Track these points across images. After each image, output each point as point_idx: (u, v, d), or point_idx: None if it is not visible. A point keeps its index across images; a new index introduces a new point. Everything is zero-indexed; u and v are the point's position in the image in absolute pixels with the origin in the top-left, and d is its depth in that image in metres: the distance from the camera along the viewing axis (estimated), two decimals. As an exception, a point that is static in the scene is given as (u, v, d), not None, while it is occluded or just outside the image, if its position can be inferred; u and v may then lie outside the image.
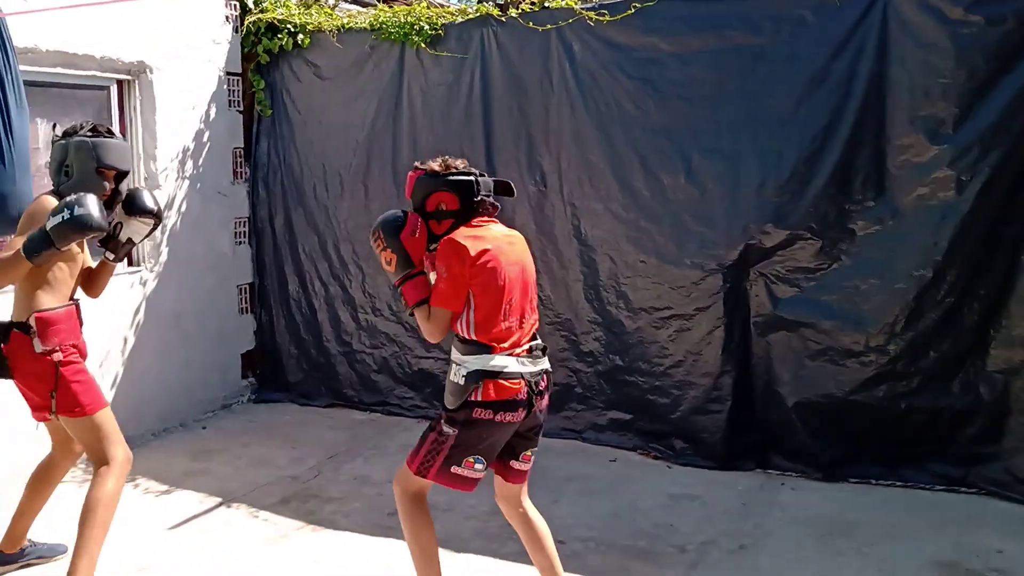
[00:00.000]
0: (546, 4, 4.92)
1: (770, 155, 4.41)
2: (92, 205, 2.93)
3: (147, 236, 3.47)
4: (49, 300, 3.16)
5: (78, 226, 2.90)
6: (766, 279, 4.52)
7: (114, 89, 4.94)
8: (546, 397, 2.94)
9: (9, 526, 3.52)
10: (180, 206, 5.32)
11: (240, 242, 5.84)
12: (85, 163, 3.14)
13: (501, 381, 2.78)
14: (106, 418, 3.22)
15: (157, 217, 3.39)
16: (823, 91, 4.29)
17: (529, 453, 2.98)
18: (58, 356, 3.13)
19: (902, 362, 4.29)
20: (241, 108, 5.76)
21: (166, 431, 5.25)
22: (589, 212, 4.88)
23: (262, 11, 5.67)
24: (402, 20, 5.28)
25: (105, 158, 3.16)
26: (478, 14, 5.13)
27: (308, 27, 5.61)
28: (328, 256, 5.74)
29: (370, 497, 4.30)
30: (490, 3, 5.39)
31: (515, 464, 2.98)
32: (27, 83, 4.37)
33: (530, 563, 3.59)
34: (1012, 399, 4.14)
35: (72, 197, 2.95)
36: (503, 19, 5.00)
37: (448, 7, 5.65)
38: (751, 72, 4.41)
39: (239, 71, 5.71)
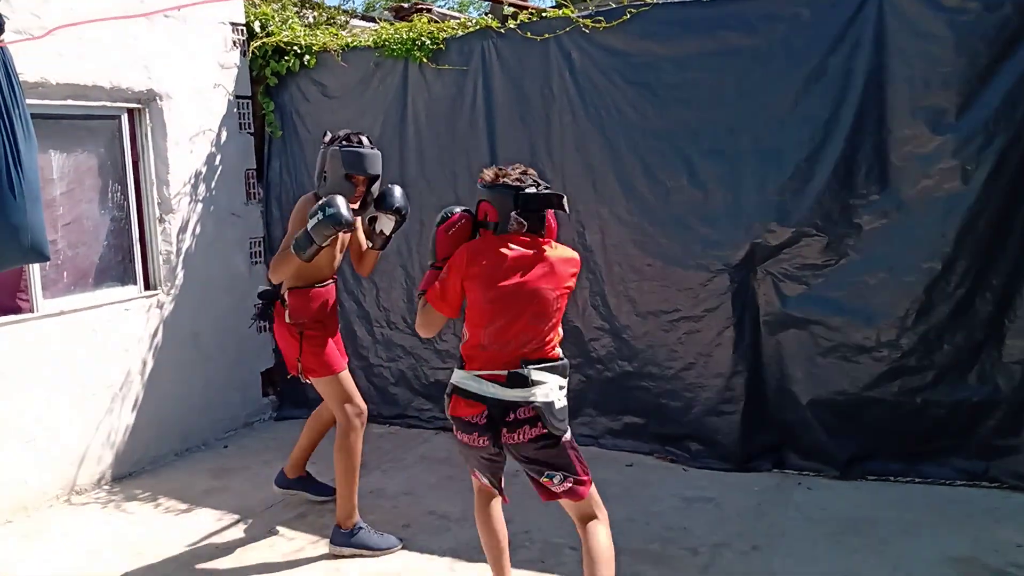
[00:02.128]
0: (543, 14, 4.95)
1: (771, 154, 4.40)
2: (340, 206, 3.48)
3: (396, 229, 3.94)
4: (299, 281, 3.86)
5: (330, 224, 3.46)
6: (774, 277, 4.50)
7: (125, 118, 5.06)
8: (522, 432, 2.75)
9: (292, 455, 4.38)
10: (195, 229, 5.42)
11: (256, 262, 5.93)
12: (336, 170, 3.70)
13: (459, 398, 2.79)
14: (343, 379, 3.92)
15: (398, 212, 3.86)
16: (821, 87, 4.28)
17: (547, 479, 2.82)
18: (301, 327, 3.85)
19: (915, 356, 4.25)
20: (252, 130, 5.86)
21: (188, 451, 5.34)
22: (593, 217, 4.89)
23: (268, 35, 5.77)
24: (404, 36, 5.34)
25: (352, 167, 3.69)
26: (478, 27, 5.18)
27: (314, 48, 5.70)
28: (342, 272, 5.78)
29: (386, 510, 4.33)
30: (491, 15, 5.44)
31: (545, 483, 2.85)
32: (39, 116, 4.50)
33: (544, 571, 3.62)
34: (1030, 390, 4.07)
35: (323, 200, 3.51)
36: (502, 31, 5.05)
37: (449, 21, 5.70)
38: (748, 72, 4.40)
39: (248, 94, 5.81)
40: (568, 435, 2.85)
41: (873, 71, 4.17)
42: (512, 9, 5.34)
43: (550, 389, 2.76)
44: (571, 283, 2.88)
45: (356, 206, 3.78)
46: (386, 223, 3.89)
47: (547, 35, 4.87)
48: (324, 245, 3.56)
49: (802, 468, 4.49)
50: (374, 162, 3.77)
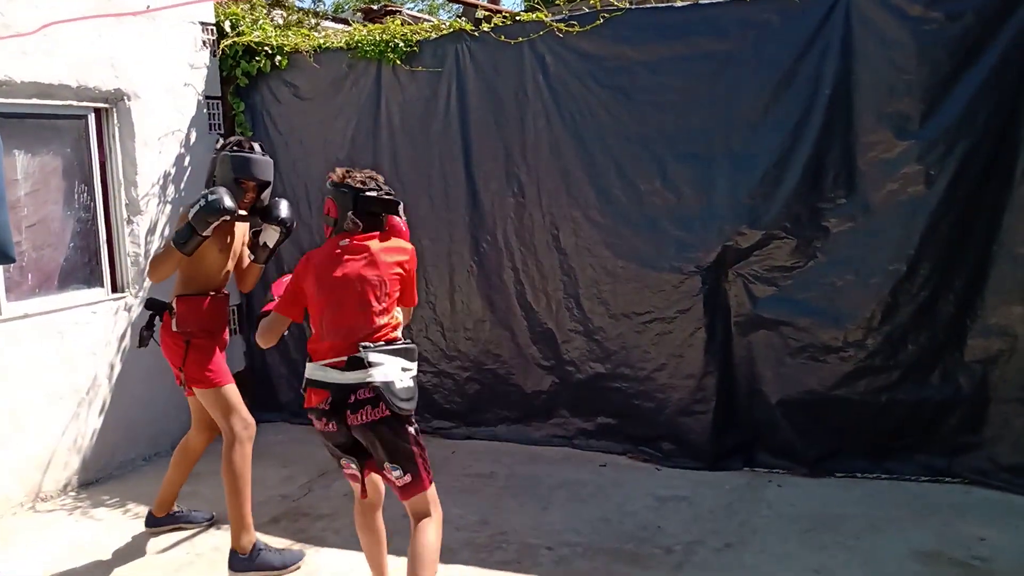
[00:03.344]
0: (517, 18, 4.98)
1: (742, 157, 4.47)
2: (223, 193, 3.52)
3: (280, 242, 3.95)
4: (188, 288, 3.80)
5: (211, 210, 3.48)
6: (744, 279, 4.58)
7: (92, 118, 4.98)
8: (364, 412, 2.84)
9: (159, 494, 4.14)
10: (163, 230, 5.35)
11: (225, 264, 5.86)
12: (226, 174, 3.69)
13: (310, 389, 2.95)
14: (228, 392, 3.80)
15: (283, 225, 3.87)
16: (791, 92, 4.36)
17: (388, 468, 2.90)
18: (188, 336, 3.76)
19: (881, 356, 4.34)
20: (222, 131, 5.80)
21: (157, 455, 5.26)
22: (567, 220, 4.93)
23: (239, 34, 5.72)
24: (377, 38, 5.33)
25: (241, 171, 3.69)
26: (451, 30, 5.19)
27: (285, 48, 5.66)
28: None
29: (360, 512, 4.31)
30: (464, 19, 5.45)
31: (386, 473, 2.95)
32: (3, 115, 4.43)
33: (520, 571, 3.64)
34: (991, 388, 4.20)
35: (206, 190, 3.56)
36: (476, 34, 5.06)
37: (423, 23, 5.71)
38: (720, 77, 4.48)
39: (219, 95, 5.75)
40: (414, 429, 2.95)
41: (841, 77, 4.26)
42: (485, 13, 5.37)
43: (389, 370, 2.88)
44: (399, 270, 3.01)
45: (245, 213, 3.80)
46: (271, 235, 3.90)
47: (521, 39, 4.90)
48: (205, 234, 3.55)
49: (772, 466, 4.57)
50: (264, 168, 3.79)
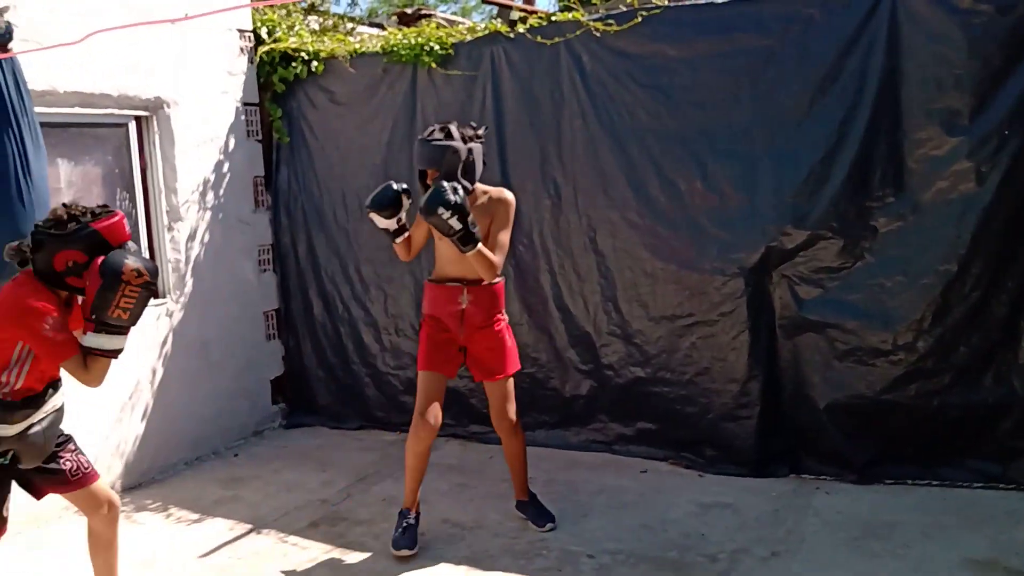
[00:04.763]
0: (553, 18, 4.94)
1: (786, 156, 4.37)
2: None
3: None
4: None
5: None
6: (789, 280, 4.47)
7: (132, 126, 5.04)
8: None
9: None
10: (203, 237, 5.40)
11: (264, 269, 5.91)
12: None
13: None
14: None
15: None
16: (836, 89, 4.25)
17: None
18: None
19: (932, 359, 4.21)
20: (260, 137, 5.83)
21: (198, 459, 5.31)
22: (605, 222, 4.86)
23: (275, 41, 5.75)
24: (413, 42, 5.32)
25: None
26: (487, 32, 5.16)
27: (321, 54, 5.68)
28: (350, 279, 5.78)
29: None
30: (499, 20, 5.42)
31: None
32: (47, 125, 4.49)
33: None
34: (1047, 391, 4.05)
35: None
36: (512, 35, 5.03)
37: (458, 26, 5.69)
38: (762, 74, 4.38)
39: (256, 101, 5.79)
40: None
41: (887, 73, 4.15)
42: (521, 14, 5.33)
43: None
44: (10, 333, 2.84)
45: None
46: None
47: (557, 39, 4.85)
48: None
49: (819, 472, 4.45)
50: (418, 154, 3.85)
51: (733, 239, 4.52)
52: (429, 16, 6.85)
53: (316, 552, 3.96)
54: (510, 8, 5.86)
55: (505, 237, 3.82)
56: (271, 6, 5.82)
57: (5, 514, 3.00)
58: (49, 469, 3.06)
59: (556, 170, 4.99)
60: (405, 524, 3.91)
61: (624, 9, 4.67)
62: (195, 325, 5.32)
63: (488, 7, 11.74)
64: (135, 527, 4.37)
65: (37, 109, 3.99)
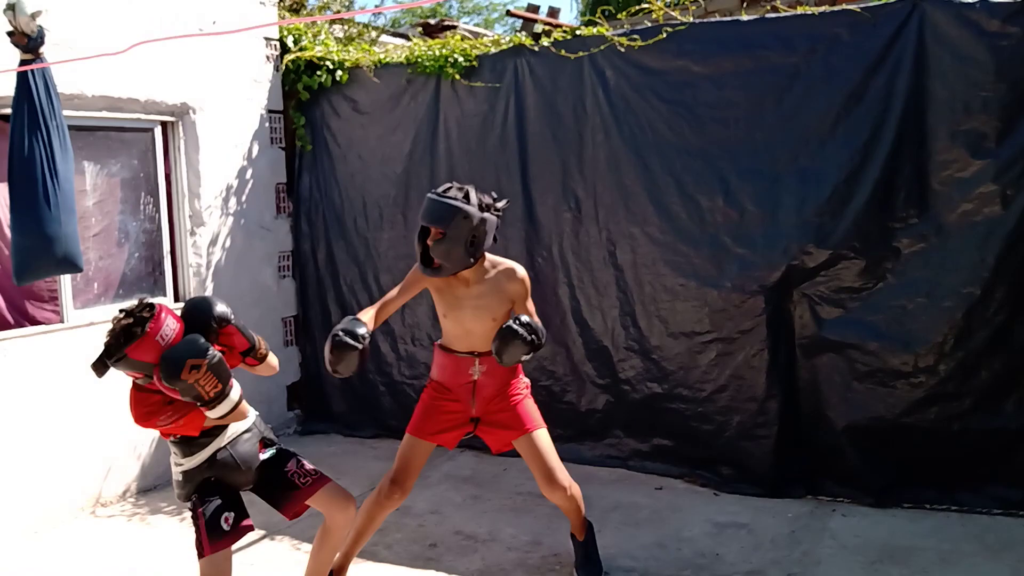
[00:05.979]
0: (578, 32, 4.95)
1: (809, 174, 4.36)
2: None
3: None
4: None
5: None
6: (810, 300, 4.44)
7: (158, 131, 5.08)
8: None
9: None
10: (225, 242, 5.43)
11: (284, 275, 5.93)
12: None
13: None
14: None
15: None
16: (861, 108, 4.24)
17: None
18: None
19: (953, 382, 4.17)
20: (283, 144, 5.88)
21: (213, 464, 5.32)
22: (625, 236, 4.85)
23: (301, 49, 5.80)
24: (437, 53, 5.35)
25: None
26: (511, 44, 5.18)
27: (346, 63, 5.72)
28: (368, 287, 5.79)
29: (412, 528, 4.29)
30: (523, 33, 5.44)
31: None
32: (74, 128, 4.53)
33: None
34: (1070, 418, 4.00)
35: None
36: (536, 48, 5.04)
37: (482, 38, 5.71)
38: (787, 91, 4.37)
39: (280, 108, 5.84)
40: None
41: (913, 94, 4.13)
42: (544, 27, 5.35)
43: None
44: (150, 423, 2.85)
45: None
46: None
47: (581, 53, 4.86)
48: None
49: (837, 495, 4.41)
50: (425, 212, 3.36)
51: (754, 257, 4.50)
52: (453, 27, 6.89)
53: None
54: (534, 21, 5.87)
55: (531, 307, 3.48)
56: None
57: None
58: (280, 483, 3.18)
59: (577, 184, 4.99)
60: None
61: (649, 24, 4.68)
62: (214, 330, 5.34)
63: (510, 20, 11.80)
64: (149, 530, 4.39)
65: (65, 112, 4.03)
